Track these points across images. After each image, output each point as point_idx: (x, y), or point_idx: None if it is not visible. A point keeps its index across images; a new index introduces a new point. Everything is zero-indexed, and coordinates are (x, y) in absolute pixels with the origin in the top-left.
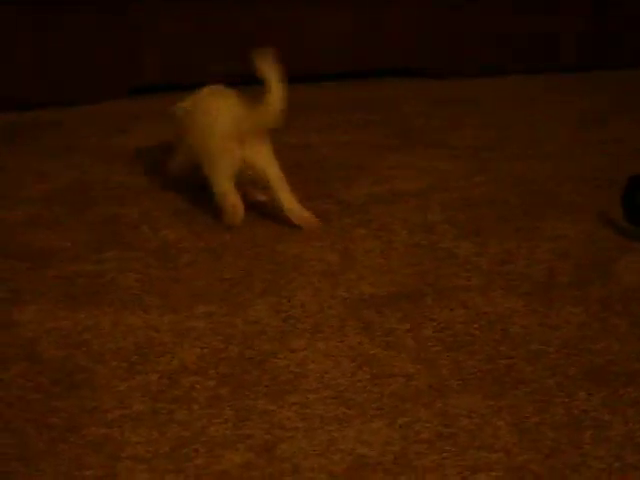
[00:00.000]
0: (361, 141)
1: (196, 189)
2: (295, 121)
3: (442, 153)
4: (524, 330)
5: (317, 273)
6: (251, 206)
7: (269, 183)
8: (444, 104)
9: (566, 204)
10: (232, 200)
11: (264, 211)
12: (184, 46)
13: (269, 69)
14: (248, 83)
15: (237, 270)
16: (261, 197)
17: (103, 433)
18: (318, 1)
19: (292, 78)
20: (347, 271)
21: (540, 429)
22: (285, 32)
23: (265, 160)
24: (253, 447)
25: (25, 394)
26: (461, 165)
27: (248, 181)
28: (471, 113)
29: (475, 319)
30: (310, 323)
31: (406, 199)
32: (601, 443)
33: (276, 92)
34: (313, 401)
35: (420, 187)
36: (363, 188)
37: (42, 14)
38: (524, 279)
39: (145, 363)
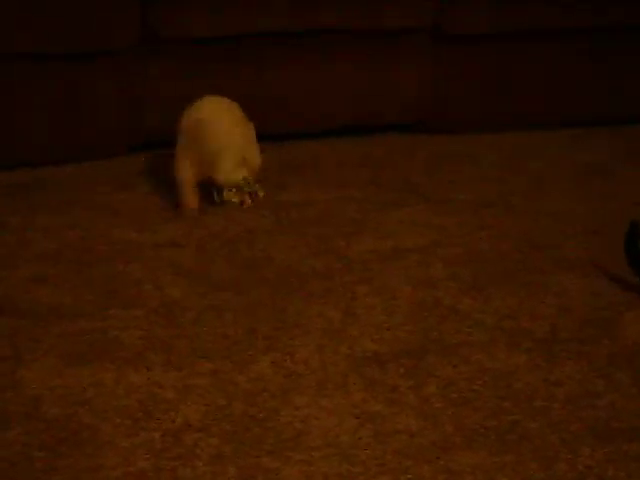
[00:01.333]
0: (363, 197)
1: (199, 247)
2: (297, 177)
3: (444, 209)
4: (527, 386)
5: (319, 330)
6: (254, 263)
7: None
8: (445, 159)
9: (569, 259)
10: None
11: (266, 269)
12: (184, 104)
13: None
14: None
15: (240, 327)
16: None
17: None
18: (318, 58)
19: (292, 135)
20: (349, 328)
21: None
22: (286, 89)
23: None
24: None
25: (29, 452)
26: (463, 220)
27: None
28: (472, 168)
29: (478, 375)
30: (313, 380)
31: (408, 255)
32: None
33: None
34: (317, 459)
35: (422, 243)
36: (365, 244)
37: (42, 72)
38: (527, 335)
39: (149, 420)
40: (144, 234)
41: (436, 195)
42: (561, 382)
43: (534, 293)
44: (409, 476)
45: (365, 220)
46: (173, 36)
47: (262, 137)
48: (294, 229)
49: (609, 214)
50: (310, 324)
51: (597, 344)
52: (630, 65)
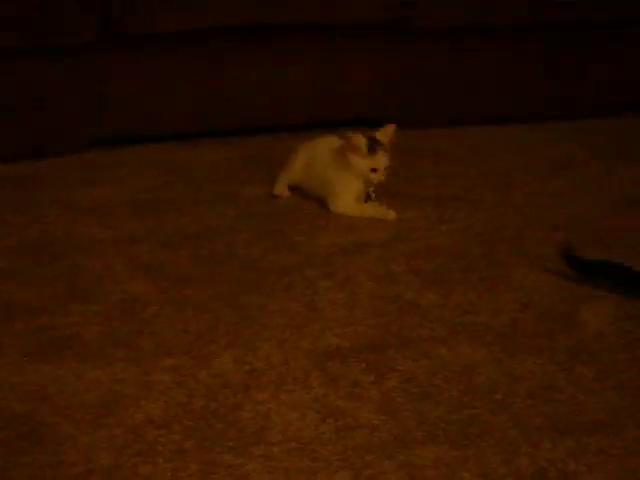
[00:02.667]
0: None
1: (161, 243)
2: (259, 172)
3: (406, 203)
4: (488, 380)
5: (281, 325)
6: (216, 259)
7: None
8: (406, 154)
9: (530, 253)
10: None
11: (228, 264)
12: (146, 99)
13: None
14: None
15: (201, 323)
16: None
17: None
18: (279, 55)
19: (255, 129)
20: (311, 323)
21: (506, 479)
22: (246, 85)
23: None
24: None
25: None
26: (425, 215)
27: None
28: (435, 163)
29: (439, 370)
30: (274, 375)
31: (370, 250)
32: None
33: None
34: (278, 454)
35: (384, 237)
36: (327, 239)
37: (3, 68)
38: (488, 329)
39: (110, 417)
40: (105, 230)
41: (397, 190)
42: (522, 376)
43: (495, 287)
44: (370, 471)
45: (326, 215)
46: (134, 32)
47: (220, 133)
48: (255, 224)
49: (571, 209)
50: (271, 319)
51: (558, 338)
52: (593, 59)
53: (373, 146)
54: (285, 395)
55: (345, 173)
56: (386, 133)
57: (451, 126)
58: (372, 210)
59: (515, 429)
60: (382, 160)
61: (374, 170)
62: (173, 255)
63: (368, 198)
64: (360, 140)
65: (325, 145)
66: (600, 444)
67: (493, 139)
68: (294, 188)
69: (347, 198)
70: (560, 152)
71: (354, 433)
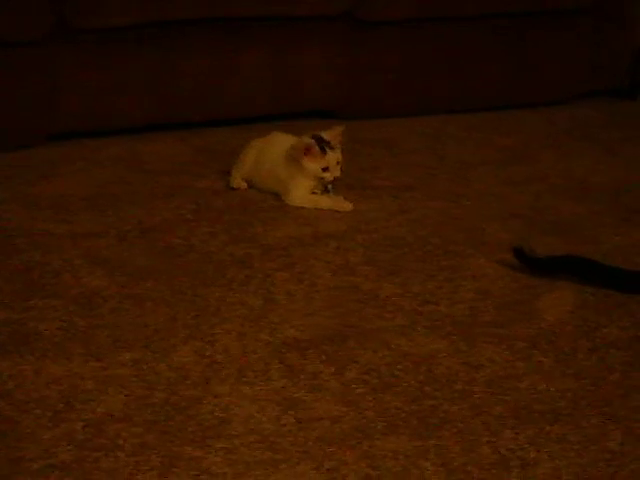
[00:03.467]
0: None
1: (119, 237)
2: (216, 165)
3: (363, 194)
4: (448, 370)
5: (240, 317)
6: (173, 252)
7: None
8: (364, 145)
9: (488, 243)
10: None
11: (186, 257)
12: (100, 93)
13: None
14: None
15: (160, 316)
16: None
17: None
18: (233, 47)
19: (212, 122)
20: (270, 315)
21: (467, 469)
22: (201, 78)
23: None
24: None
25: None
26: (382, 206)
27: None
28: (392, 153)
29: (399, 360)
30: (234, 368)
31: (328, 241)
32: None
33: None
34: (239, 446)
35: (342, 229)
36: (285, 231)
37: None
38: (447, 319)
39: (70, 411)
40: (62, 225)
41: (355, 181)
42: (482, 365)
43: (453, 277)
44: (332, 462)
45: (284, 206)
46: (87, 26)
47: (176, 126)
48: (213, 217)
49: (529, 197)
50: (230, 312)
51: (517, 327)
52: (546, 49)
53: (322, 146)
54: (245, 387)
55: (297, 171)
56: (334, 133)
57: (407, 116)
58: (328, 201)
59: (476, 418)
60: (332, 158)
61: (326, 169)
62: (131, 249)
63: (325, 190)
64: (309, 143)
65: (276, 142)
66: (561, 432)
67: (449, 128)
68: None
69: (302, 191)
70: (515, 141)
71: (315, 425)
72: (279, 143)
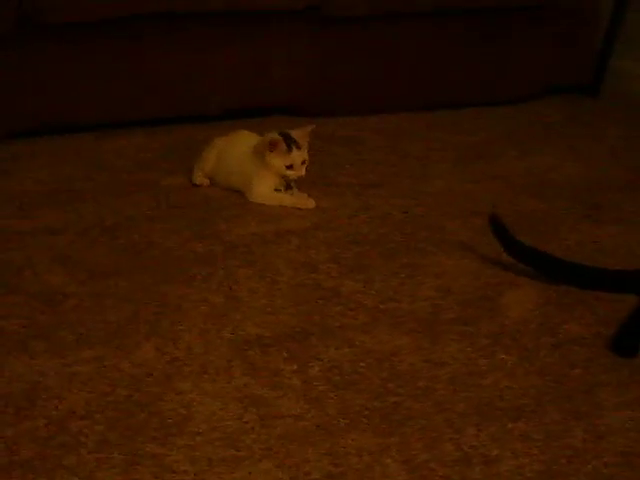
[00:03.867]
0: None
1: (81, 234)
2: (180, 161)
3: (326, 191)
4: (411, 367)
5: (202, 314)
6: (135, 249)
7: None
8: (326, 142)
9: (450, 240)
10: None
11: (148, 254)
12: (63, 89)
13: None
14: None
15: (122, 313)
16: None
17: None
18: (199, 43)
19: (175, 119)
20: (232, 312)
21: (430, 465)
22: (166, 74)
23: None
24: None
25: None
26: (345, 203)
27: None
28: (355, 151)
29: (361, 357)
30: (196, 365)
31: (290, 238)
32: (491, 478)
33: None
34: (201, 443)
35: (304, 226)
36: (247, 228)
37: None
38: (409, 316)
39: (32, 408)
40: (24, 221)
41: (318, 178)
42: (445, 362)
43: (416, 274)
44: (294, 459)
45: (246, 204)
46: (49, 22)
47: (140, 122)
48: (175, 214)
49: (490, 195)
50: (192, 309)
51: (479, 324)
52: (508, 46)
53: (289, 144)
54: (207, 385)
55: (262, 168)
56: (303, 133)
57: (372, 113)
58: (291, 199)
59: (438, 415)
60: (298, 157)
61: (290, 167)
62: (92, 246)
63: (288, 187)
64: (275, 139)
65: (240, 140)
66: (523, 429)
67: (413, 126)
68: None
69: (265, 188)
70: (477, 138)
71: (277, 422)
72: (243, 141)
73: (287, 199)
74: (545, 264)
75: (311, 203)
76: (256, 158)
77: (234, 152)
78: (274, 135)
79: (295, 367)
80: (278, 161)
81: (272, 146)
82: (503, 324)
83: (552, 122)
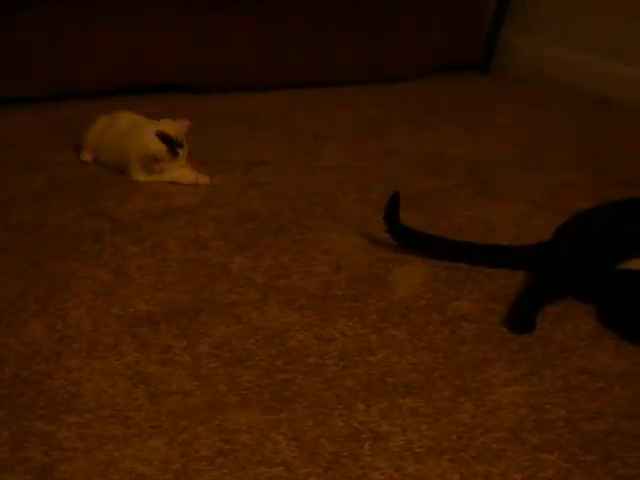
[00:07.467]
0: None
1: None
2: (70, 139)
3: (215, 168)
4: (301, 344)
5: (91, 292)
6: (26, 226)
7: None
8: (214, 119)
9: (341, 216)
10: None
11: (39, 231)
12: None
13: None
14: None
15: (11, 291)
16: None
17: None
18: (86, 21)
19: (64, 95)
20: (121, 289)
21: (319, 442)
22: (54, 51)
23: None
24: (32, 469)
25: None
26: (235, 180)
27: None
28: (245, 127)
29: (251, 334)
30: (85, 342)
31: (179, 215)
32: (381, 454)
33: None
34: (91, 421)
35: (194, 203)
36: (136, 205)
37: None
38: (300, 293)
39: None
40: None
41: (208, 155)
42: (334, 339)
43: (306, 251)
44: (184, 436)
45: (136, 181)
46: None
47: (28, 99)
48: (65, 191)
49: (382, 171)
50: (81, 286)
51: (369, 300)
52: (401, 23)
53: (173, 149)
54: (96, 362)
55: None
56: (180, 128)
57: (263, 90)
58: (172, 174)
59: (328, 392)
60: (183, 156)
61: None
62: None
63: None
64: (160, 154)
65: (121, 120)
66: (413, 405)
67: (304, 103)
68: None
69: (141, 171)
70: (370, 115)
71: (167, 399)
72: (123, 121)
73: (167, 176)
74: (433, 247)
75: (204, 179)
76: (136, 136)
77: (114, 132)
78: (156, 146)
79: (185, 344)
80: (165, 164)
81: (157, 158)
82: (392, 300)
83: (445, 99)
